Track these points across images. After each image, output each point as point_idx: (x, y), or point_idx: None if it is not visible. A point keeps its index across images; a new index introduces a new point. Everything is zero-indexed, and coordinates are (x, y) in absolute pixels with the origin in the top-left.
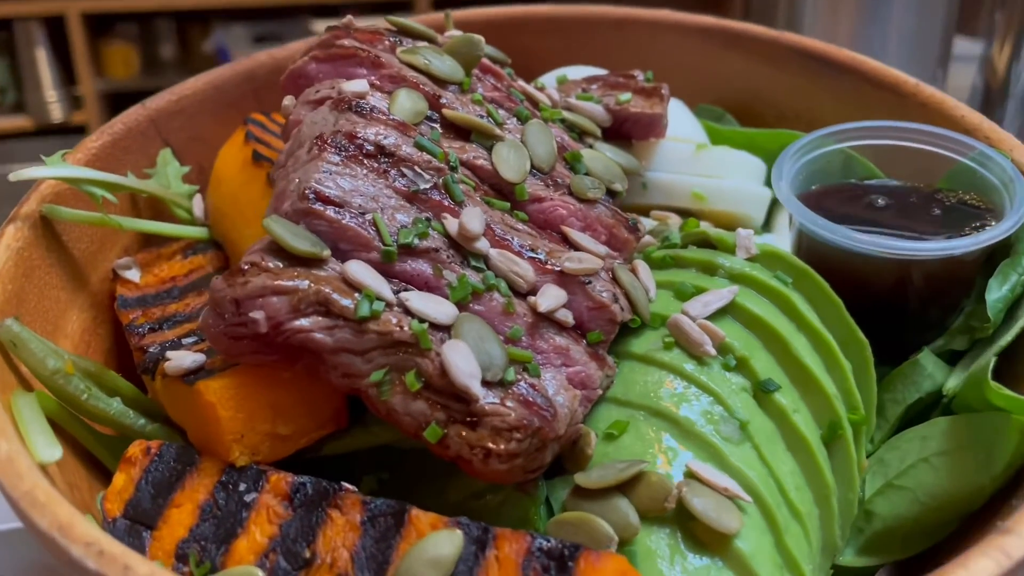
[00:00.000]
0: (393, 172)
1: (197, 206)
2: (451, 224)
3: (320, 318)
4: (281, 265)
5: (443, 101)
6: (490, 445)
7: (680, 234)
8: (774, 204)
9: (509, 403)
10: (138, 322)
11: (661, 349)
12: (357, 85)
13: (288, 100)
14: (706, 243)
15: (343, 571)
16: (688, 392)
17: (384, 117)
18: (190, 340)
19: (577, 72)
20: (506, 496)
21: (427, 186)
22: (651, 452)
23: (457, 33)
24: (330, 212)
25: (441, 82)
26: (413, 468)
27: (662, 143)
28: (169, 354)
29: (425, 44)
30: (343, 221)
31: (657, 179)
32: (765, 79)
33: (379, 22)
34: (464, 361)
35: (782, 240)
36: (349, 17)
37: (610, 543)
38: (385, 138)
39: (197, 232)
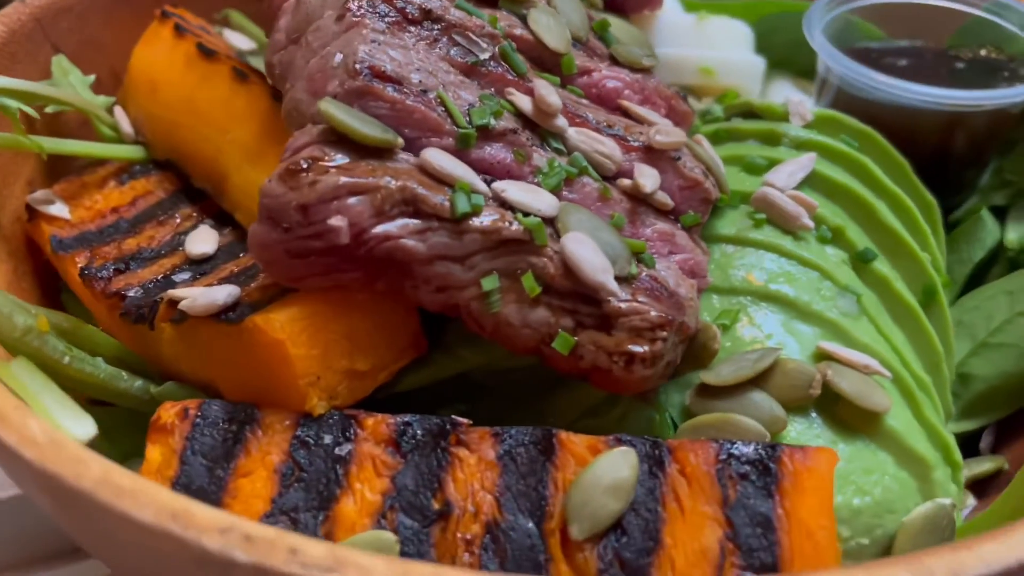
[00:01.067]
0: (444, 40)
1: (123, 121)
2: (521, 100)
3: (409, 220)
4: (348, 159)
5: None
6: (632, 348)
7: (721, 106)
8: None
9: (642, 299)
10: (96, 264)
11: (752, 227)
12: None
13: None
14: (751, 114)
15: (491, 517)
16: (793, 270)
17: None
18: (184, 276)
19: None
20: (625, 408)
21: (486, 56)
22: (772, 338)
23: None
24: (390, 91)
25: None
26: (500, 395)
27: (660, 15)
28: (181, 292)
29: None
30: (407, 101)
31: (663, 55)
32: None
33: None
34: (593, 254)
35: None
36: None
37: (763, 441)
38: (436, 2)
39: (131, 152)
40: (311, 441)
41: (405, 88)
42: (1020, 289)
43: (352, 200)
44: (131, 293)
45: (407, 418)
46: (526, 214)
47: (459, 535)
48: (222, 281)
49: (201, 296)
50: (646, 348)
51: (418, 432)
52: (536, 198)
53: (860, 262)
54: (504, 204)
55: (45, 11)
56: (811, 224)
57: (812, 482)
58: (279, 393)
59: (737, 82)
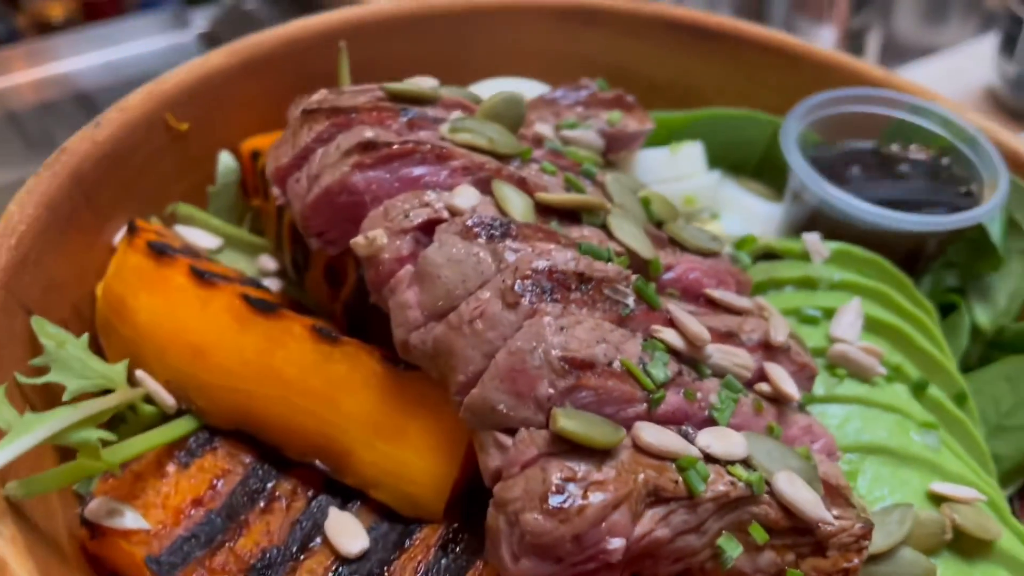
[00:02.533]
0: (598, 298)
1: (158, 390)
2: (669, 336)
3: (654, 510)
4: (585, 467)
5: (529, 184)
6: (847, 565)
7: (743, 253)
8: None
9: (835, 511)
10: None
11: (838, 384)
12: (465, 198)
13: (375, 234)
14: (769, 255)
15: None
16: (881, 418)
17: (538, 232)
18: None
19: (503, 85)
20: None
21: (630, 301)
22: (890, 491)
23: (457, 90)
24: (592, 379)
25: (505, 158)
26: None
27: (639, 153)
28: None
29: (459, 113)
30: (608, 383)
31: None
32: (630, 53)
33: (363, 91)
34: (806, 491)
35: (746, 221)
36: (324, 92)
37: None
38: (573, 261)
39: (186, 426)
40: None
41: (599, 368)
42: (1019, 375)
43: (616, 515)
44: None
45: None
46: (729, 462)
47: None
48: None
49: None
50: (856, 560)
51: None
52: (731, 443)
53: (918, 391)
54: (709, 458)
55: (7, 273)
56: (884, 371)
57: None
58: None
59: (709, 202)
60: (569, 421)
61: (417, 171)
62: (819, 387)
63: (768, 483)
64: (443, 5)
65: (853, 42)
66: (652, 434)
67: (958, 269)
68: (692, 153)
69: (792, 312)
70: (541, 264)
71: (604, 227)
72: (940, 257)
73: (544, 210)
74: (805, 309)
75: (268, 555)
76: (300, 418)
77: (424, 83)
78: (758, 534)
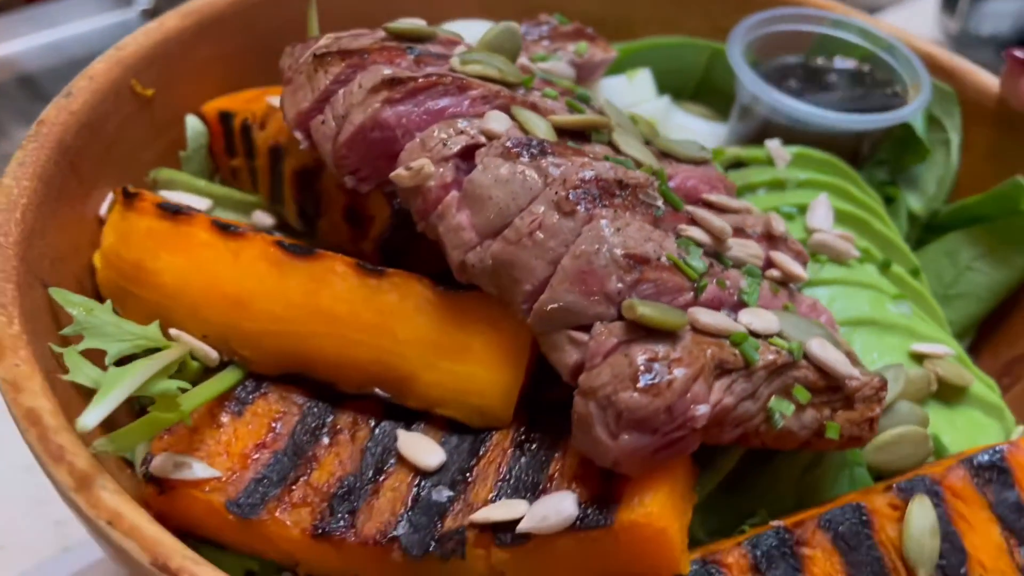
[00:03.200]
0: (636, 203)
1: (201, 344)
2: (695, 232)
3: (720, 381)
4: (662, 348)
5: (540, 109)
6: (871, 413)
7: (719, 164)
8: None
9: (858, 369)
10: (318, 517)
11: (820, 269)
12: (498, 123)
13: (420, 164)
14: (737, 164)
15: None
16: (860, 295)
17: (567, 149)
18: (445, 493)
19: (463, 27)
20: (831, 454)
21: (661, 204)
22: (879, 355)
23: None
24: (651, 272)
25: (513, 86)
26: (737, 473)
27: (601, 81)
28: (498, 512)
29: (464, 47)
30: (663, 275)
31: None
32: None
33: (363, 35)
34: (836, 353)
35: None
36: (330, 36)
37: (929, 439)
38: (612, 170)
39: (233, 377)
40: None
41: (653, 263)
42: (956, 250)
43: (696, 387)
44: (399, 532)
45: (750, 541)
46: (768, 336)
47: None
48: (501, 488)
49: (547, 511)
50: (877, 409)
51: (766, 549)
52: (766, 320)
53: (884, 268)
54: (753, 334)
55: (21, 247)
56: (858, 253)
57: None
58: (644, 570)
59: (661, 125)
60: (647, 308)
61: (442, 103)
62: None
63: (803, 350)
64: None
65: None
66: (707, 316)
67: (888, 165)
68: (644, 79)
69: (768, 211)
70: (587, 174)
71: (610, 144)
72: (873, 156)
73: (558, 132)
74: (781, 207)
75: (346, 482)
76: (355, 351)
77: (416, 23)
78: (801, 395)
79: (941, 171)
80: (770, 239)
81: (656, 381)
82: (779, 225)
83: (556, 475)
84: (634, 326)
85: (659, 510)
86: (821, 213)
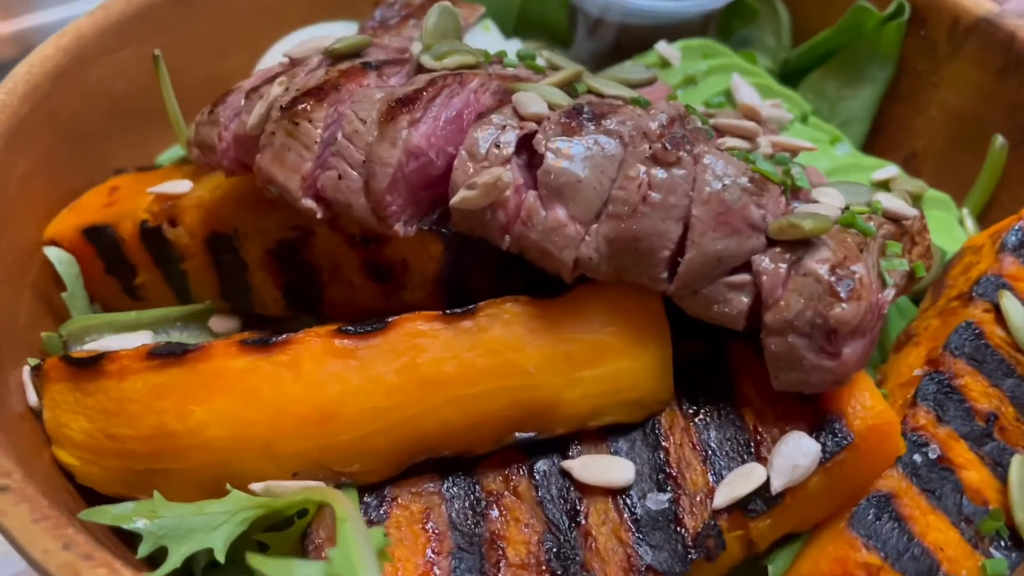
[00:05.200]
0: (698, 133)
1: (289, 486)
2: (736, 142)
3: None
4: (827, 252)
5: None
6: (927, 241)
7: None
8: None
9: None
10: None
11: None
12: (533, 104)
13: (491, 176)
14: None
15: None
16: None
17: (604, 104)
18: (660, 501)
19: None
20: None
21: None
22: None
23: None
24: (765, 188)
25: (489, 66)
26: None
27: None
28: (728, 495)
29: (417, 44)
30: (769, 187)
31: None
32: None
33: (305, 69)
34: (897, 200)
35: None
36: (275, 90)
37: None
38: (667, 110)
39: (351, 503)
40: None
41: (759, 179)
42: (821, 86)
43: (871, 274)
44: (648, 560)
45: (918, 395)
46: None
47: None
48: (715, 463)
49: (794, 460)
50: (929, 236)
51: (933, 395)
52: (836, 195)
53: (804, 120)
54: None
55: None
56: (792, 116)
57: None
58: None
59: None
60: (806, 222)
61: (455, 106)
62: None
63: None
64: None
65: None
66: (825, 209)
67: (720, 35)
68: (494, 28)
69: (703, 105)
70: (661, 119)
71: (590, 91)
72: (715, 31)
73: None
74: (712, 99)
75: (548, 544)
76: (484, 405)
77: (325, 42)
78: (894, 248)
79: (774, 24)
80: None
81: (853, 285)
82: (768, 112)
83: (758, 425)
84: (790, 245)
85: (881, 404)
86: (747, 92)
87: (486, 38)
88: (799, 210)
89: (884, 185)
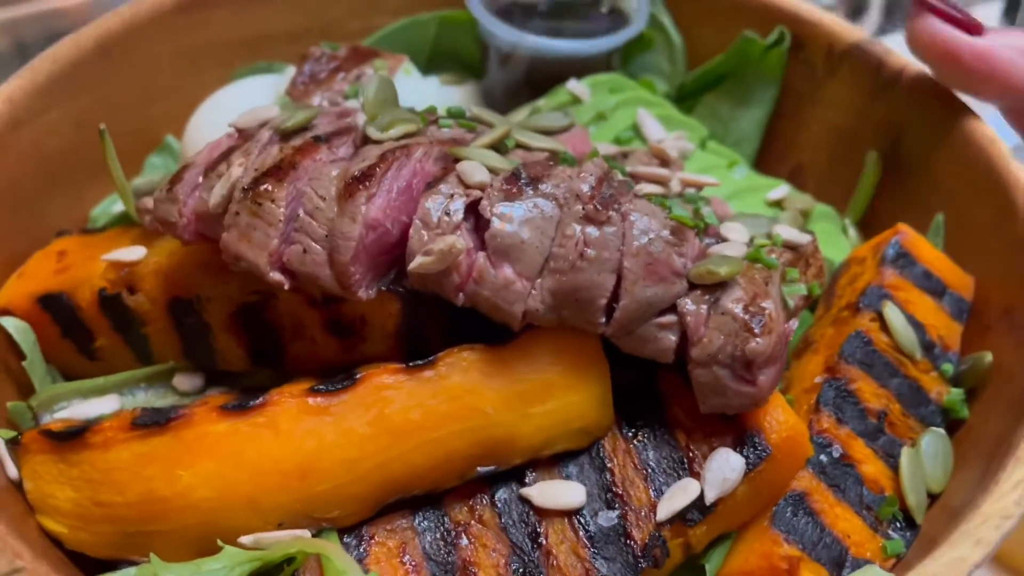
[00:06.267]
0: (623, 187)
1: (274, 537)
2: (651, 188)
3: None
4: (739, 292)
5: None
6: (820, 262)
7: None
8: None
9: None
10: None
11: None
12: (475, 173)
13: (445, 244)
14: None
15: None
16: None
17: (538, 166)
18: (610, 518)
19: (240, 93)
20: None
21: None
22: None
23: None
24: (684, 236)
25: (427, 131)
26: None
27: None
28: (669, 508)
29: (359, 114)
30: (686, 234)
31: None
32: (253, 15)
33: (257, 145)
34: (791, 230)
35: None
36: (233, 170)
37: None
38: (593, 170)
39: (333, 544)
40: None
41: (674, 229)
42: (715, 108)
43: (778, 309)
44: (605, 572)
45: (820, 400)
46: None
47: None
48: (654, 481)
49: (723, 474)
50: (822, 256)
51: (832, 400)
52: (740, 230)
53: (703, 145)
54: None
55: None
56: (694, 146)
57: None
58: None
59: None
60: (722, 267)
61: (404, 176)
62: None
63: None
64: (73, 55)
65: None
66: (731, 250)
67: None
68: (414, 70)
69: (613, 142)
70: (590, 181)
71: (520, 146)
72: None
73: None
74: (621, 135)
75: (514, 566)
76: (449, 446)
77: (268, 111)
78: (793, 274)
79: (668, 50)
80: (664, 164)
81: (764, 320)
82: (675, 152)
83: (689, 444)
84: (708, 287)
85: (792, 417)
86: (652, 125)
87: (407, 81)
88: (712, 251)
89: (778, 204)
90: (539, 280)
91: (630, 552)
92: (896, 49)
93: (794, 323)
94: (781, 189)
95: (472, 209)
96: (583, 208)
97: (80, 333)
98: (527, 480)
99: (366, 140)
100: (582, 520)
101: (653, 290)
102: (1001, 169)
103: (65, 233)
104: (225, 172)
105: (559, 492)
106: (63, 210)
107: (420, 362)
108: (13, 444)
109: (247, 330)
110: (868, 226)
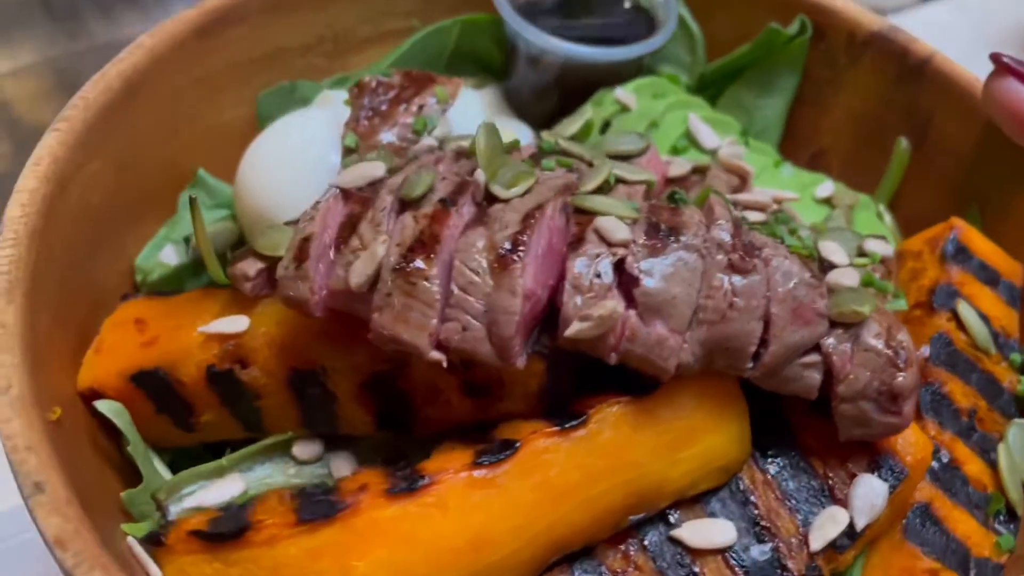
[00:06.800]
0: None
1: None
2: (755, 216)
3: None
4: (876, 327)
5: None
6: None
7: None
8: None
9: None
10: None
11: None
12: (617, 230)
13: (605, 309)
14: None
15: None
16: (768, 178)
17: (665, 211)
18: (764, 552)
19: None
20: None
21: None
22: (808, 216)
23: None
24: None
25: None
26: None
27: None
28: (822, 538)
29: (476, 169)
30: (814, 268)
31: None
32: (270, 28)
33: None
34: (882, 243)
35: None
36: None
37: None
38: (726, 211)
39: None
40: None
41: (813, 273)
42: (739, 99)
43: (903, 338)
44: None
45: None
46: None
47: None
48: (799, 511)
49: (871, 500)
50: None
51: None
52: (840, 251)
53: (746, 144)
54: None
55: None
56: (744, 149)
57: None
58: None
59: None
60: (864, 306)
61: (544, 238)
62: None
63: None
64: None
65: None
66: (849, 279)
67: None
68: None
69: (670, 152)
70: (727, 229)
71: (619, 181)
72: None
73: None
74: (678, 142)
75: None
76: (606, 502)
77: (371, 169)
78: (888, 288)
79: (688, 42)
80: (741, 179)
81: (906, 354)
82: (734, 157)
83: (827, 471)
84: (847, 325)
85: (921, 437)
86: (705, 132)
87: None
88: (831, 282)
89: (827, 202)
90: (689, 333)
91: None
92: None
93: (925, 349)
94: (827, 186)
95: (618, 267)
96: (727, 257)
97: (179, 408)
98: (672, 520)
99: (489, 197)
100: (736, 556)
101: (800, 333)
102: None
103: (130, 297)
104: (360, 247)
105: (710, 531)
106: (110, 264)
107: (573, 423)
108: (151, 543)
109: (377, 397)
110: (895, 209)
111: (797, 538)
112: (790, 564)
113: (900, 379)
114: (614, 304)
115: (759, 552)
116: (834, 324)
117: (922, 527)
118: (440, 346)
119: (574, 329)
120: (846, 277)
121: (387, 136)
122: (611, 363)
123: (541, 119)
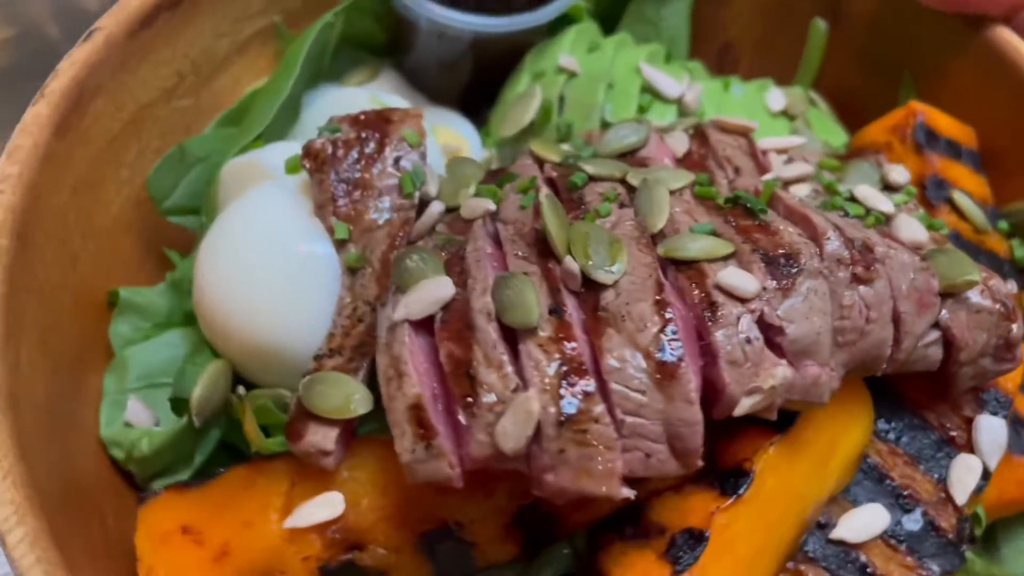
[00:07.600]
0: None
1: None
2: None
3: None
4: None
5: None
6: None
7: None
8: None
9: None
10: None
11: None
12: (744, 281)
13: (774, 377)
14: None
15: None
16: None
17: (771, 229)
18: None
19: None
20: None
21: None
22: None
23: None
24: None
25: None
26: None
27: None
28: None
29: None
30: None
31: None
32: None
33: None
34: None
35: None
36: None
37: None
38: (821, 217)
39: None
40: None
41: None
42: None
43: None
44: None
45: None
46: None
47: None
48: None
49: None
50: None
51: None
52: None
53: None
54: None
55: None
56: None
57: None
58: None
59: None
60: (972, 273)
61: (680, 317)
62: None
63: None
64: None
65: None
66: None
67: None
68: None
69: (637, 112)
70: (834, 237)
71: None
72: None
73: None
74: (641, 100)
75: None
76: (784, 544)
77: (439, 290)
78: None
79: None
80: (744, 135)
81: (1012, 303)
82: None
83: (942, 421)
84: (958, 296)
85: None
86: (663, 80)
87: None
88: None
89: (785, 113)
90: (832, 359)
91: (947, 542)
92: None
93: (1012, 285)
94: (776, 95)
95: (759, 322)
96: (850, 272)
97: None
98: (822, 521)
99: (588, 283)
100: (893, 535)
101: (925, 319)
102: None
103: (148, 497)
104: (497, 403)
105: (867, 521)
106: (78, 448)
107: (742, 491)
108: None
109: (524, 529)
110: (819, 89)
111: (939, 495)
112: (942, 524)
113: (1015, 329)
114: (783, 371)
115: (911, 522)
116: (943, 295)
117: (1018, 437)
118: (625, 479)
119: (745, 407)
120: (914, 230)
121: (379, 213)
122: (773, 419)
123: (453, 93)
